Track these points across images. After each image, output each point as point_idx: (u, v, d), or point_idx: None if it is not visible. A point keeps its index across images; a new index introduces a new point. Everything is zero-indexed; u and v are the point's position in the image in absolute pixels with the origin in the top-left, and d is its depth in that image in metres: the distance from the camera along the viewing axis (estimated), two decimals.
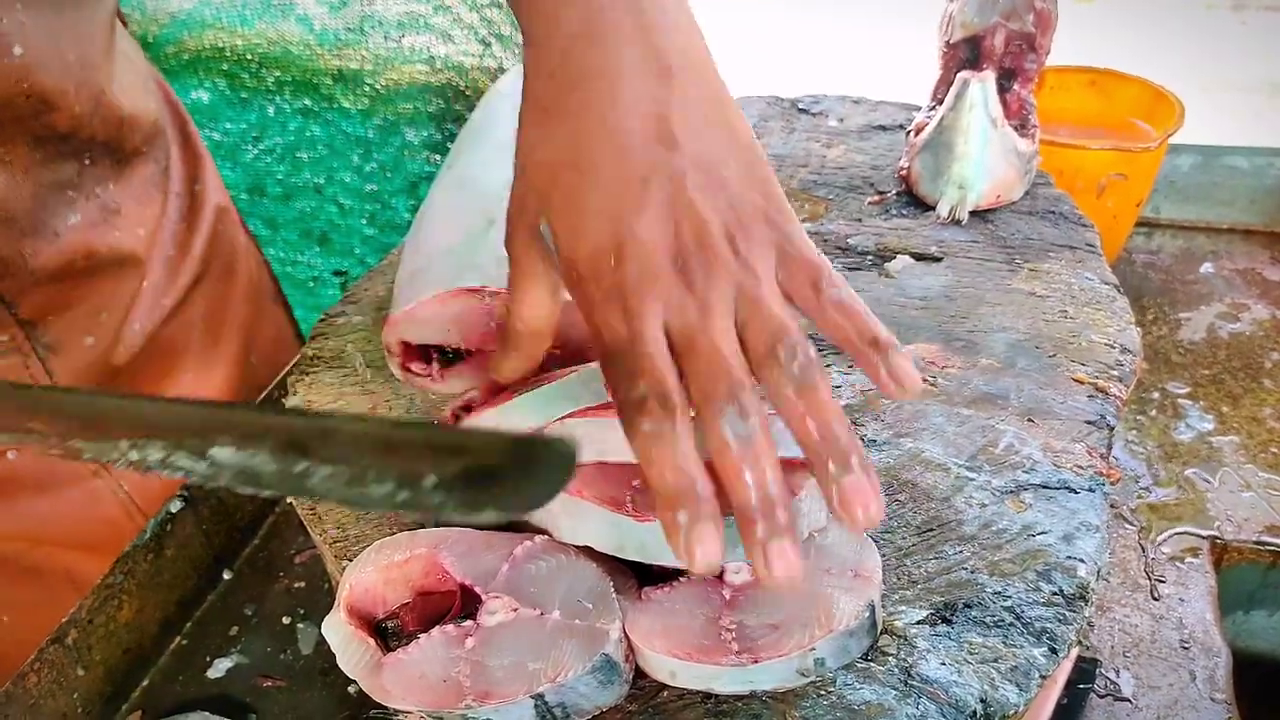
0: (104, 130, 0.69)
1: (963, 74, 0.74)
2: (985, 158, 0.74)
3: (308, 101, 1.18)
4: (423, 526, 0.54)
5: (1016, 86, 0.77)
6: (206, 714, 0.62)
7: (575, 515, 0.46)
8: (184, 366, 0.82)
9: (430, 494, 0.29)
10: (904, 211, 0.78)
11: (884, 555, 0.49)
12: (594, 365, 0.50)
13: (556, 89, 0.45)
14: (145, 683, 0.65)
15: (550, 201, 0.44)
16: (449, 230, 0.62)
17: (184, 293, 0.81)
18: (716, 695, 0.44)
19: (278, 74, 1.17)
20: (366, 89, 1.16)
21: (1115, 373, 0.60)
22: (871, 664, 0.45)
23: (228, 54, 1.16)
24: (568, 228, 0.43)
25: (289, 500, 0.58)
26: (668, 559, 0.41)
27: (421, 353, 0.61)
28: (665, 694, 0.44)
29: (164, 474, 0.36)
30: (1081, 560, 0.49)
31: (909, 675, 0.44)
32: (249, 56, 1.16)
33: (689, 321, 0.40)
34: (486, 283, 0.56)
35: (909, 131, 0.81)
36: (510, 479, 0.29)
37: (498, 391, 0.52)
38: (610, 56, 0.44)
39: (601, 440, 0.46)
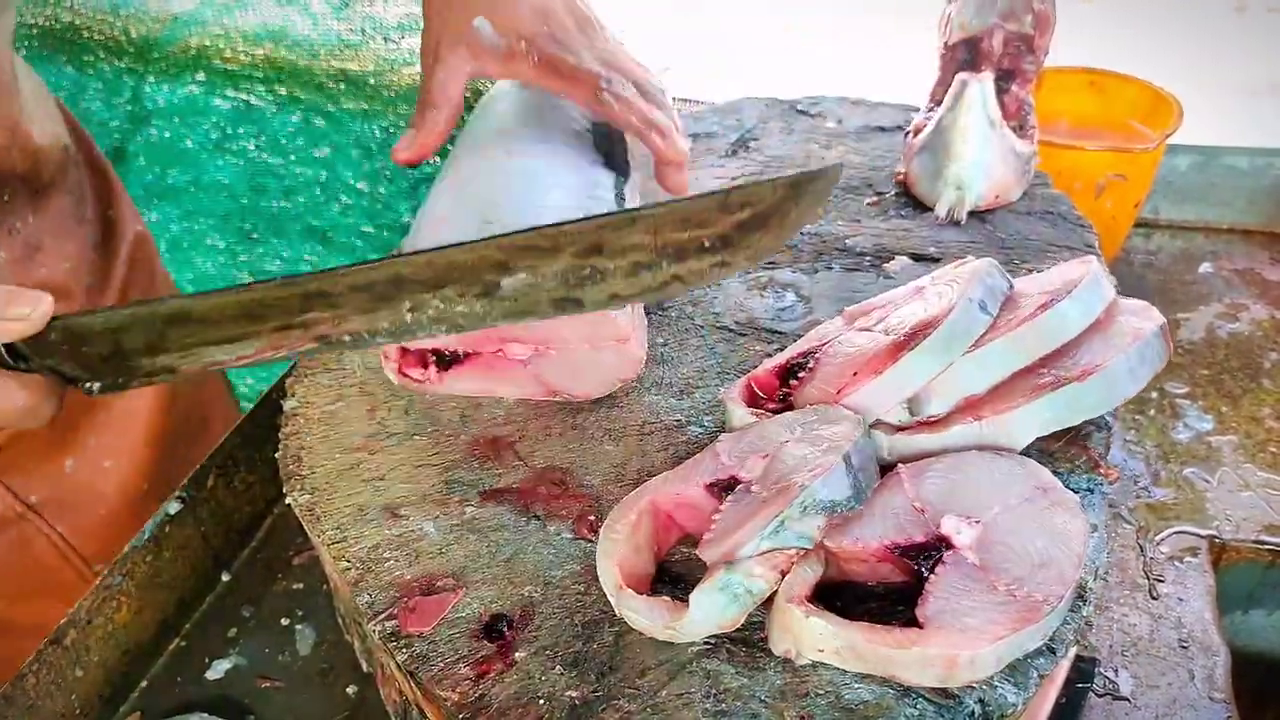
0: (22, 161, 0.69)
1: (961, 75, 0.74)
2: (983, 159, 0.74)
3: (308, 103, 1.18)
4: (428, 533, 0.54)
5: (1015, 87, 0.78)
6: (205, 715, 0.62)
7: None
8: (106, 404, 0.79)
9: (727, 248, 0.45)
10: (902, 212, 0.78)
11: None
12: (946, 326, 0.51)
13: None
14: (144, 684, 0.65)
15: (480, 7, 0.67)
16: (446, 234, 0.62)
17: None
18: (715, 694, 0.44)
19: (278, 75, 1.17)
20: (367, 91, 1.16)
21: None
22: None
23: (228, 54, 1.16)
24: (500, 17, 0.67)
25: (287, 501, 0.58)
26: None
27: (419, 357, 0.61)
28: (664, 693, 0.44)
29: (440, 331, 0.48)
30: None
31: None
32: (250, 57, 1.16)
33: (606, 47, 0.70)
34: None
35: (907, 133, 0.81)
36: (782, 214, 0.45)
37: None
38: None
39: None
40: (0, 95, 0.66)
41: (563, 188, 0.64)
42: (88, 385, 0.51)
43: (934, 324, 0.51)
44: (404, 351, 0.60)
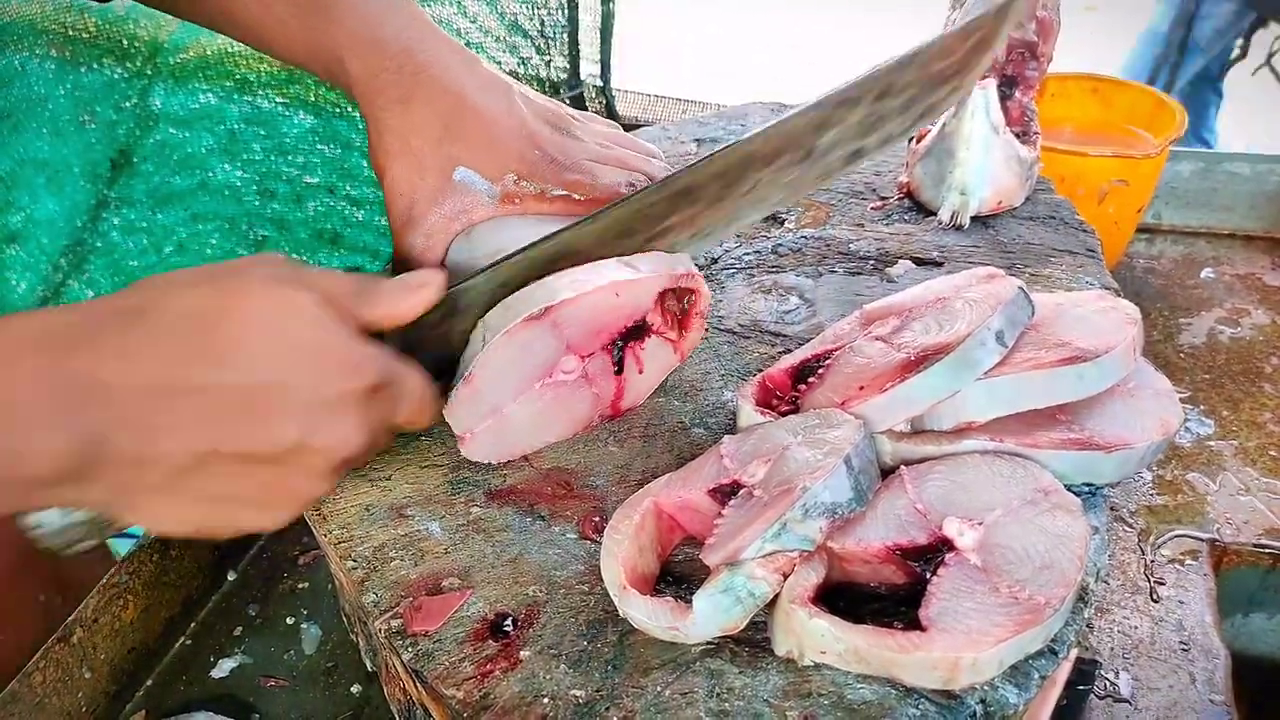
0: None
1: None
2: (987, 164, 0.75)
3: (319, 102, 1.19)
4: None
5: (1018, 93, 0.78)
6: (210, 713, 0.62)
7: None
8: None
9: (960, 73, 0.58)
10: (906, 217, 0.78)
11: None
12: (958, 354, 0.50)
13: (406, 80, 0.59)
14: (149, 682, 0.65)
15: (457, 151, 0.59)
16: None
17: None
18: (719, 693, 0.44)
19: (288, 75, 1.17)
20: None
21: None
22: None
23: (239, 55, 1.16)
24: (485, 159, 0.59)
25: None
26: None
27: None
28: (668, 692, 0.45)
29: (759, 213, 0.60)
30: None
31: None
32: (259, 58, 1.16)
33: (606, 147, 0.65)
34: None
35: (911, 138, 0.81)
36: (995, 34, 0.57)
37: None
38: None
39: None
40: None
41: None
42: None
43: (947, 348, 0.51)
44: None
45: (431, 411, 0.53)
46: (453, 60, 0.61)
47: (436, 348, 0.54)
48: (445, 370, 0.55)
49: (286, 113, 1.20)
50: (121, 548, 0.70)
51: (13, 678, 0.57)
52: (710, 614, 0.45)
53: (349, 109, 1.20)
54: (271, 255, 0.49)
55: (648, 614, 0.46)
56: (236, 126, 1.21)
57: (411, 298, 0.51)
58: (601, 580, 0.49)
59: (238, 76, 1.18)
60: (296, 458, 0.45)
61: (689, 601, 0.45)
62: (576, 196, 0.62)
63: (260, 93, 1.19)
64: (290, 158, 1.22)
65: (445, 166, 0.59)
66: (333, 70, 0.61)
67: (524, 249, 0.55)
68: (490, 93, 0.61)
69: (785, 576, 0.45)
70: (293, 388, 0.45)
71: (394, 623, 0.49)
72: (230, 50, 1.16)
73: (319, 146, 1.22)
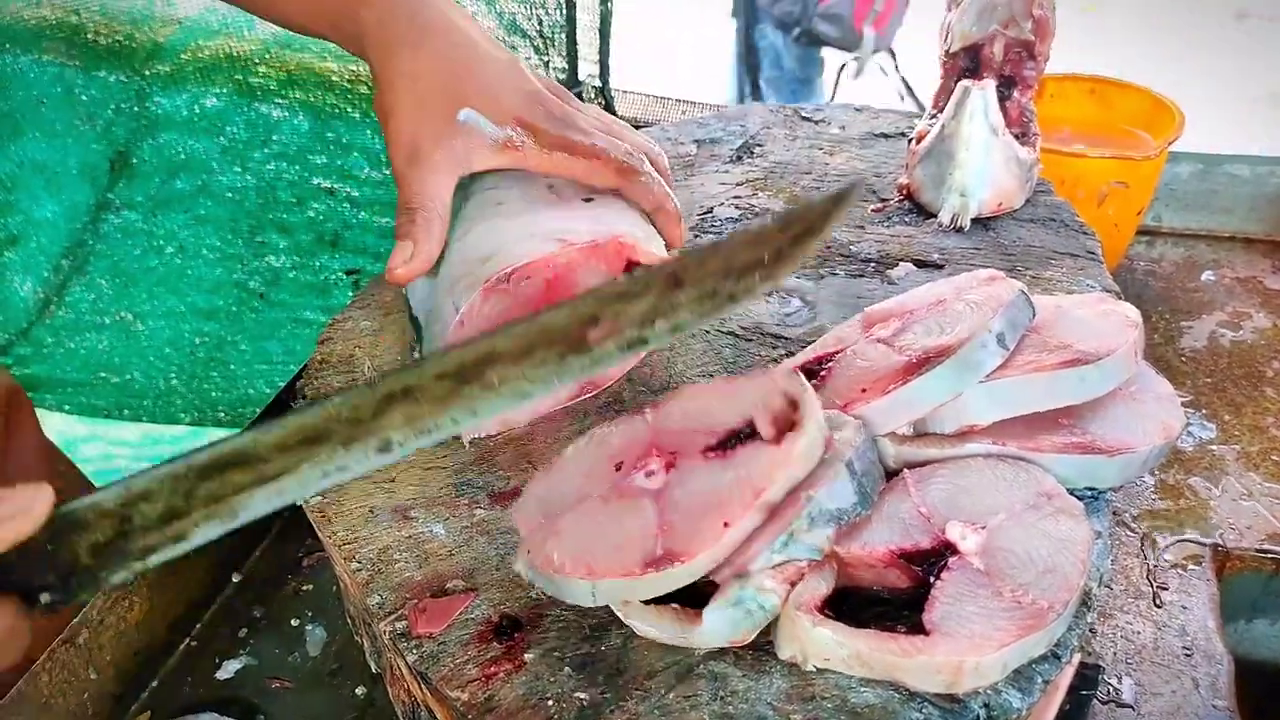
0: None
1: (963, 82, 0.75)
2: (986, 166, 0.75)
3: (318, 104, 1.19)
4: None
5: (1017, 94, 0.78)
6: (215, 715, 0.62)
7: None
8: None
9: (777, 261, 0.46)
10: (906, 219, 0.79)
11: None
12: (960, 356, 0.50)
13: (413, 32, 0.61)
14: (154, 683, 0.66)
15: (463, 95, 0.60)
16: (460, 290, 0.60)
17: None
18: (722, 696, 0.44)
19: (288, 77, 1.18)
20: None
21: None
22: None
23: (237, 59, 1.17)
24: (490, 104, 0.61)
25: (298, 503, 0.58)
26: None
27: None
28: (672, 695, 0.45)
29: (513, 403, 0.43)
30: None
31: None
32: (258, 61, 1.16)
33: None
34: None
35: (910, 140, 0.82)
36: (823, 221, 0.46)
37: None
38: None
39: None
40: None
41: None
42: (44, 597, 0.42)
43: (948, 350, 0.51)
44: None
45: (16, 652, 0.42)
46: (463, 21, 0.63)
47: (50, 568, 0.42)
48: (59, 585, 0.42)
49: (286, 116, 1.20)
50: None
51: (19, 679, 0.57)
52: (720, 628, 0.45)
53: (348, 110, 1.20)
54: None
55: (653, 624, 0.46)
56: (236, 129, 1.21)
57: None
58: None
59: (237, 79, 1.18)
60: None
61: (695, 611, 0.45)
62: (578, 149, 0.62)
63: (260, 96, 1.19)
64: (290, 161, 1.23)
65: (449, 108, 0.60)
66: (341, 22, 0.63)
67: (185, 456, 0.43)
68: (498, 51, 0.63)
69: (794, 585, 0.45)
70: None
71: (399, 625, 0.49)
72: (229, 53, 1.17)
73: (319, 149, 1.22)
